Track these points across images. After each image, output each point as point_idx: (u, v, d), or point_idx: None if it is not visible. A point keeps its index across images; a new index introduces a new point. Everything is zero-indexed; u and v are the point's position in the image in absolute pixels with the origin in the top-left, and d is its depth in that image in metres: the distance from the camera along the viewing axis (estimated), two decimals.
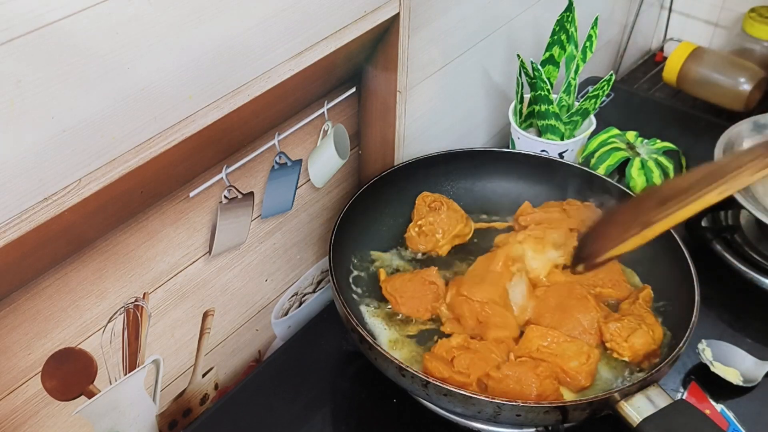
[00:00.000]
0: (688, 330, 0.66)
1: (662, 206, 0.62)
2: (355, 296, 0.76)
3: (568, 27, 0.87)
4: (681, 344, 0.65)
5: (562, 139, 0.90)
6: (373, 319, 0.74)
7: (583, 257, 0.69)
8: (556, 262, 0.78)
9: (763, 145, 0.60)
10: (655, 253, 0.79)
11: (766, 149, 0.59)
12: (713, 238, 0.88)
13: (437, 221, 0.81)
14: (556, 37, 0.88)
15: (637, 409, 0.60)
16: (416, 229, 0.82)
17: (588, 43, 0.88)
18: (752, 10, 1.22)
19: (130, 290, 0.62)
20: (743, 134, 0.93)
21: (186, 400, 0.75)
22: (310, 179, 0.76)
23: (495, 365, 0.66)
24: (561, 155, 0.90)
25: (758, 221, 0.85)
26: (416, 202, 0.84)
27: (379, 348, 0.63)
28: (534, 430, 0.69)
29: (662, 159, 0.89)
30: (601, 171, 0.88)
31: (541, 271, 0.77)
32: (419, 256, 0.82)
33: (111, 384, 0.64)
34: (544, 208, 0.84)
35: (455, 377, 0.65)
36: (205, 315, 0.72)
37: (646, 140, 0.92)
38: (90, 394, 0.63)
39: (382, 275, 0.78)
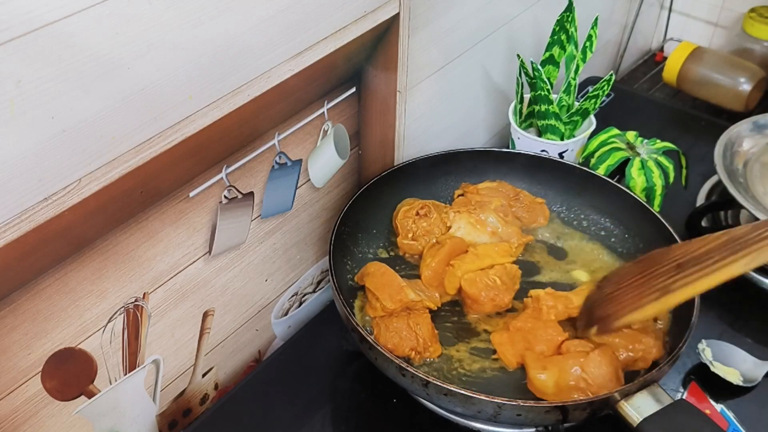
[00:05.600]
0: (688, 330, 0.66)
1: (680, 272, 0.59)
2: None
3: (568, 27, 0.87)
4: (681, 344, 0.65)
5: (562, 139, 0.90)
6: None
7: (595, 320, 0.66)
8: (475, 240, 0.80)
9: None
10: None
11: None
12: None
13: (430, 223, 0.81)
14: (556, 37, 0.88)
15: (637, 409, 0.60)
16: (409, 236, 0.81)
17: (588, 43, 0.88)
18: (752, 10, 1.22)
19: (130, 290, 0.62)
20: (743, 134, 0.93)
21: (186, 400, 0.75)
22: (310, 179, 0.76)
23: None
24: (561, 155, 0.90)
25: (758, 221, 0.85)
26: (397, 217, 0.82)
27: (379, 348, 0.64)
28: (534, 430, 0.69)
29: (662, 159, 0.89)
30: (601, 171, 0.88)
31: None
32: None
33: (111, 384, 0.64)
34: (495, 188, 0.86)
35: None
36: (205, 315, 0.72)
37: (646, 140, 0.92)
38: (90, 394, 0.63)
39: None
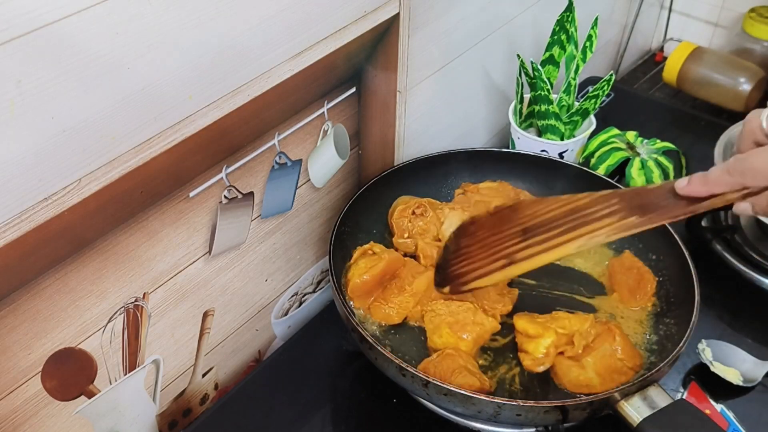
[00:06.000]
0: (688, 330, 0.66)
1: (525, 239, 0.63)
2: None
3: (568, 27, 0.87)
4: (681, 344, 0.65)
5: (562, 139, 0.90)
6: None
7: (449, 278, 0.69)
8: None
9: (619, 196, 0.59)
10: (655, 253, 0.79)
11: (623, 203, 0.59)
12: (713, 238, 0.88)
13: (426, 222, 0.81)
14: (556, 37, 0.89)
15: (637, 408, 0.60)
16: (405, 236, 0.81)
17: (588, 43, 0.88)
18: (752, 10, 1.22)
19: (130, 290, 0.62)
20: None
21: (186, 400, 0.75)
22: (310, 179, 0.76)
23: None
24: (561, 155, 0.90)
25: (758, 221, 0.85)
26: (392, 216, 0.82)
27: (379, 348, 0.63)
28: (534, 430, 0.69)
29: (662, 159, 0.89)
30: (601, 171, 0.88)
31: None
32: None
33: (111, 384, 0.64)
34: (496, 188, 0.86)
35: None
36: (205, 315, 0.72)
37: (646, 140, 0.92)
38: (90, 394, 0.63)
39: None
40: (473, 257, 0.67)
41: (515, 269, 0.63)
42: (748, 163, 0.52)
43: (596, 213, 0.59)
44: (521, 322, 0.70)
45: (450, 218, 0.81)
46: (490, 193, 0.84)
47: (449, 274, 0.68)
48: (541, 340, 0.68)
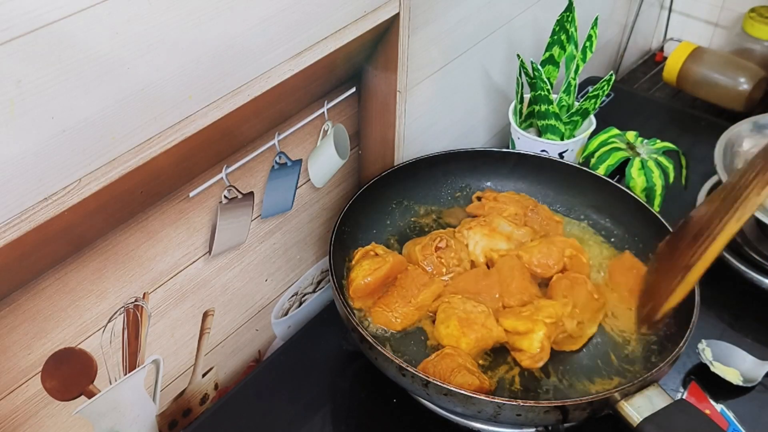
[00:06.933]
0: (688, 330, 0.66)
1: (695, 243, 0.65)
2: None
3: (568, 27, 0.87)
4: (681, 344, 0.65)
5: (562, 139, 0.90)
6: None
7: (644, 317, 0.73)
8: (495, 248, 0.79)
9: (761, 155, 0.61)
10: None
11: (765, 159, 0.60)
12: None
13: (456, 251, 0.79)
14: (556, 37, 0.88)
15: (637, 408, 0.60)
16: (444, 272, 0.77)
17: (588, 43, 0.88)
18: (752, 10, 1.22)
19: (130, 290, 0.62)
20: (743, 134, 0.93)
21: (186, 400, 0.75)
22: (310, 179, 0.76)
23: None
24: (561, 155, 0.90)
25: (758, 221, 0.85)
26: (416, 256, 0.78)
27: (379, 348, 0.64)
28: (534, 430, 0.69)
29: (662, 159, 0.89)
30: (601, 171, 0.88)
31: (479, 257, 0.79)
32: None
33: (111, 384, 0.64)
34: (516, 199, 0.85)
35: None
36: (205, 315, 0.72)
37: (646, 140, 0.92)
38: (90, 394, 0.63)
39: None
40: (658, 287, 0.71)
41: (692, 275, 0.65)
42: None
43: (744, 180, 0.62)
44: (508, 321, 0.70)
45: (473, 238, 0.80)
46: (506, 202, 0.84)
47: (644, 316, 0.73)
48: (533, 335, 0.68)
